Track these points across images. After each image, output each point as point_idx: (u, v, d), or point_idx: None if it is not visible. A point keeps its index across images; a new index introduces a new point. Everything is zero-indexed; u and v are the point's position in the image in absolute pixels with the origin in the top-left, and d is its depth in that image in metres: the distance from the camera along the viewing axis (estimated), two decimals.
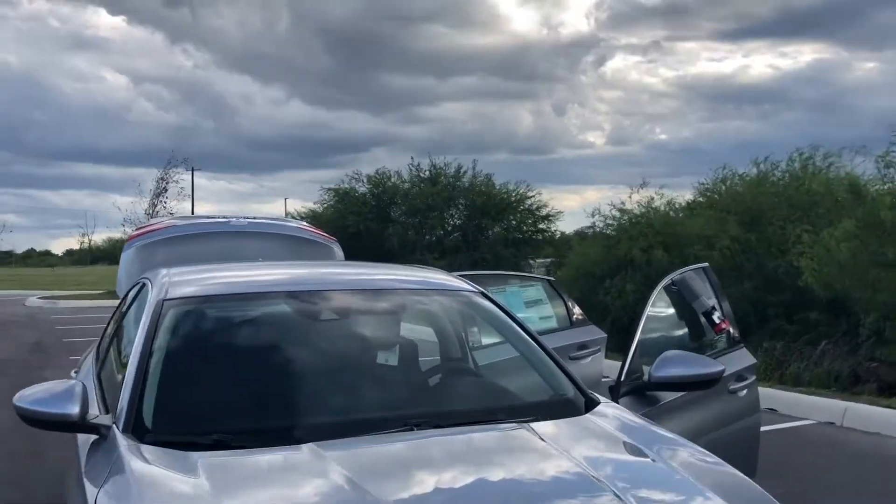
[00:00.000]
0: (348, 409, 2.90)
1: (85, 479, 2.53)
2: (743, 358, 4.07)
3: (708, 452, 2.70)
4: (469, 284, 3.73)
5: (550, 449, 2.56)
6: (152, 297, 3.29)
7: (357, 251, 17.30)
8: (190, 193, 31.70)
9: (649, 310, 3.81)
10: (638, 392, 3.51)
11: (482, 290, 3.72)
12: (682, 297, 4.07)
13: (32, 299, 25.68)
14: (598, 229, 15.25)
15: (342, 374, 3.10)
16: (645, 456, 2.60)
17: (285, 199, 60.01)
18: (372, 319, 3.47)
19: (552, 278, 5.40)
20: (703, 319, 4.04)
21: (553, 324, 4.98)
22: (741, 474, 2.55)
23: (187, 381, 2.98)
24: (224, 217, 5.53)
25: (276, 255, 5.23)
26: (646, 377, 3.47)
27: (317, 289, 3.51)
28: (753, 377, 4.08)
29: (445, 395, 3.25)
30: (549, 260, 19.01)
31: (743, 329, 11.77)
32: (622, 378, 3.49)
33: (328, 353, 3.21)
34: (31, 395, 2.77)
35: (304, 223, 6.05)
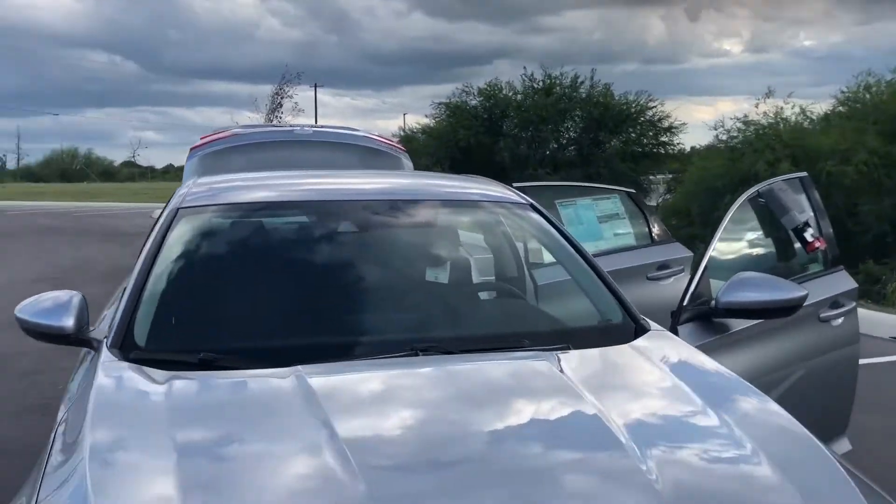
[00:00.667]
0: (352, 330, 2.61)
1: (64, 397, 2.39)
2: (840, 282, 3.51)
3: (770, 400, 2.19)
4: (518, 196, 3.32)
5: (567, 384, 2.17)
6: (171, 205, 3.10)
7: (467, 166, 17.00)
8: (304, 109, 31.85)
9: (728, 224, 3.31)
10: (703, 319, 3.06)
11: (531, 202, 3.32)
12: (769, 211, 3.53)
13: (157, 212, 27.04)
14: (722, 142, 14.32)
15: (353, 292, 2.80)
16: (684, 397, 2.18)
17: (404, 115, 60.09)
18: (396, 233, 3.14)
19: (632, 190, 4.88)
20: (793, 237, 3.49)
21: (630, 241, 4.53)
22: (808, 434, 1.99)
23: (184, 294, 2.76)
24: (289, 126, 5.31)
25: (341, 165, 4.99)
26: (713, 302, 3.02)
27: (343, 199, 3.20)
28: (852, 304, 3.51)
29: (470, 318, 2.89)
30: (669, 175, 18.09)
31: (879, 249, 10.92)
32: (684, 302, 3.05)
33: (343, 269, 2.91)
34: (31, 306, 2.64)
35: (373, 132, 5.75)
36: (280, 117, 28.17)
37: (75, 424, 2.01)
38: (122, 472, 1.79)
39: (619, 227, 4.48)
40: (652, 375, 2.36)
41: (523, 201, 3.26)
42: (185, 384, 2.18)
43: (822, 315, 3.36)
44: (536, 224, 3.23)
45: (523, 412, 2.09)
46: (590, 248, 3.93)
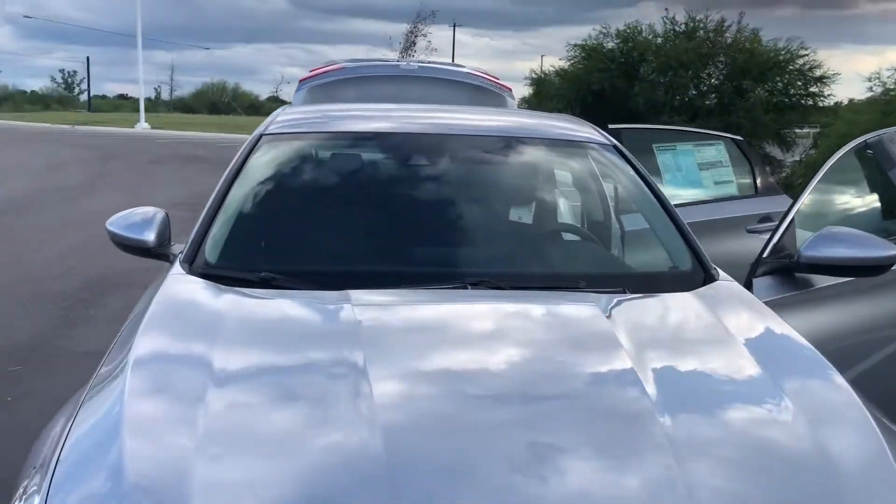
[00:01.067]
0: (408, 261, 2.67)
1: (135, 307, 2.57)
2: None
3: (834, 371, 2.04)
4: (604, 137, 3.25)
5: (606, 329, 2.13)
6: (256, 131, 3.24)
7: (599, 111, 16.58)
8: (438, 48, 31.78)
9: (828, 175, 3.11)
10: (783, 273, 2.91)
11: (615, 143, 3.23)
12: (877, 164, 3.27)
13: None
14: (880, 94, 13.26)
15: (418, 224, 2.86)
16: (731, 352, 2.09)
17: (542, 57, 58.76)
18: (470, 167, 3.16)
19: (740, 138, 4.60)
20: None
21: (732, 190, 4.30)
22: (868, 417, 1.82)
23: (255, 217, 2.92)
24: (395, 61, 5.40)
25: (445, 100, 5.04)
26: (796, 256, 2.87)
27: (422, 132, 3.25)
28: None
29: (530, 257, 2.87)
30: (816, 129, 16.92)
31: None
32: (764, 254, 2.91)
33: (410, 201, 2.97)
34: (121, 220, 2.86)
35: (479, 69, 5.71)
36: (413, 55, 28.29)
37: (132, 331, 2.17)
38: (157, 386, 1.92)
39: (720, 175, 4.26)
40: (702, 325, 2.28)
41: (607, 142, 3.20)
42: (239, 300, 2.31)
43: None
44: (619, 167, 3.16)
45: (551, 353, 2.08)
46: (686, 195, 3.79)
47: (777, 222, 4.24)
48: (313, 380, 1.92)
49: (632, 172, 3.07)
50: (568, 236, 3.31)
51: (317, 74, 5.36)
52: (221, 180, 2.92)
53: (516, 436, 1.61)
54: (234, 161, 3.01)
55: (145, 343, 2.02)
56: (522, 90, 21.14)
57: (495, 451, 1.57)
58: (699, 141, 4.53)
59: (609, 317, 2.19)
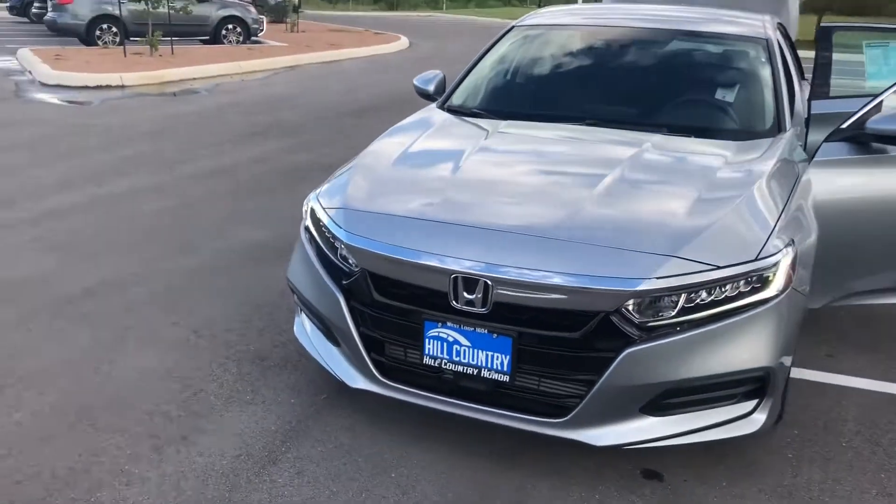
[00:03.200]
0: (565, 108, 3.98)
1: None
2: None
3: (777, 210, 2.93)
4: (763, 33, 4.13)
5: (627, 152, 3.34)
6: (511, 24, 4.61)
7: None
8: None
9: None
10: (854, 142, 3.55)
11: (769, 37, 4.10)
12: None
13: None
14: None
15: (590, 89, 4.16)
16: (698, 177, 3.14)
17: None
18: (653, 54, 4.24)
19: None
20: None
21: None
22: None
23: (486, 78, 4.32)
24: None
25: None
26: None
27: (632, 26, 4.34)
28: None
29: (654, 111, 3.91)
30: None
31: None
32: (846, 124, 3.55)
33: (597, 76, 4.22)
34: (420, 77, 4.38)
35: None
36: None
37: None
38: (377, 163, 3.45)
39: None
40: (702, 162, 3.35)
41: (763, 38, 4.06)
42: (451, 117, 3.87)
43: None
44: (769, 57, 3.97)
45: (576, 154, 3.53)
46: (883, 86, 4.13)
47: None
48: (457, 145, 3.53)
49: (776, 61, 3.92)
50: (700, 103, 4.03)
51: None
52: (477, 54, 4.40)
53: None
54: (489, 43, 4.44)
55: (384, 138, 3.76)
56: None
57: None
58: None
59: (647, 148, 3.34)
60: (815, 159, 3.52)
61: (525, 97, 4.24)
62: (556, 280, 2.53)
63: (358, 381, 2.93)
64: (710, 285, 2.55)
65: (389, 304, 2.76)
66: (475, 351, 2.65)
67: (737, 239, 2.70)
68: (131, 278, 4.55)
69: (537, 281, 2.54)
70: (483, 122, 3.81)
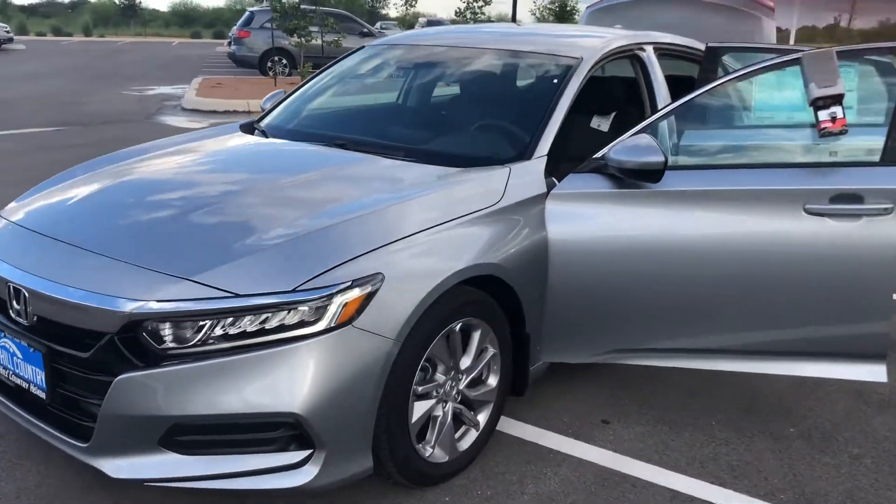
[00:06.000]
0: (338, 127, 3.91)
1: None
2: None
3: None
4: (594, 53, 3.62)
5: (311, 173, 3.18)
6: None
7: None
8: None
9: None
10: (603, 173, 3.09)
11: (579, 59, 3.62)
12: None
13: None
14: None
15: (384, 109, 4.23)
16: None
17: None
18: (455, 73, 4.01)
19: None
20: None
21: None
22: None
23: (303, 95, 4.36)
24: None
25: (704, 25, 5.10)
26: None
27: (458, 45, 4.06)
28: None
29: (416, 134, 3.70)
30: None
31: None
32: (600, 153, 3.10)
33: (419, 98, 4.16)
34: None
35: None
36: None
37: None
38: None
39: None
40: (350, 188, 2.99)
41: (571, 57, 3.60)
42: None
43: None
44: (559, 79, 3.54)
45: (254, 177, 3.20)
46: None
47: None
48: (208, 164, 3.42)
49: (566, 85, 3.40)
50: (463, 127, 3.68)
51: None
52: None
53: None
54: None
55: None
56: None
57: None
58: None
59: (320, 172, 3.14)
60: (553, 191, 3.05)
61: (306, 116, 4.05)
62: (67, 294, 2.40)
63: None
64: (223, 314, 2.29)
65: None
66: (25, 364, 2.58)
67: (284, 266, 2.40)
68: None
69: (51, 294, 2.43)
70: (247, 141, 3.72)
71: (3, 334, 2.63)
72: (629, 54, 3.86)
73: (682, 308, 3.08)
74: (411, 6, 28.55)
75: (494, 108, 3.69)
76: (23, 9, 64.92)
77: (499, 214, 2.87)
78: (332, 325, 2.34)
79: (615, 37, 3.82)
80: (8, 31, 32.12)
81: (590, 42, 3.71)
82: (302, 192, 2.92)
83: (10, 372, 2.64)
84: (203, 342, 2.30)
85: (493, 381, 2.99)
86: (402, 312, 2.47)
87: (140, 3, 62.12)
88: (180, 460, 2.39)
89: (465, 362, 2.85)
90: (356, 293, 2.37)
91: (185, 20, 62.00)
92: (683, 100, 3.15)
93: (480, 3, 20.15)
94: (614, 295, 3.07)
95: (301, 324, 2.33)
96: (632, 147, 2.97)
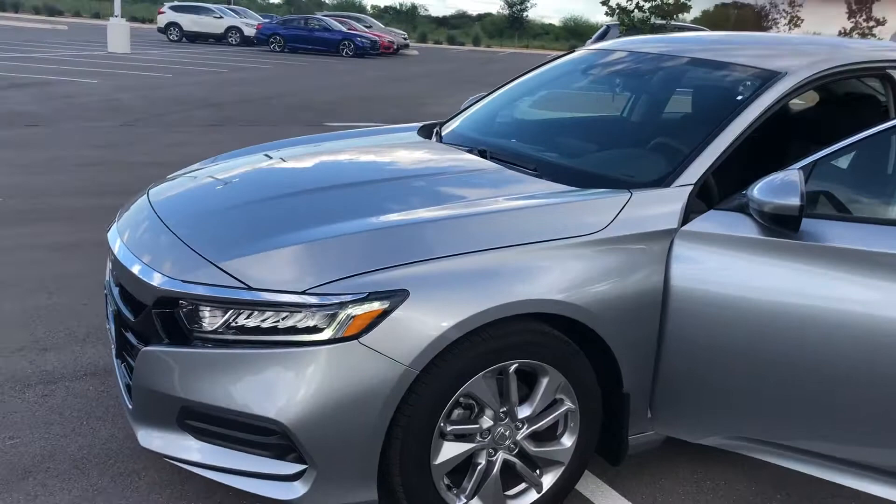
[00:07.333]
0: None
1: None
2: None
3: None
4: None
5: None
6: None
7: None
8: None
9: None
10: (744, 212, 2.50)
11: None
12: None
13: None
14: None
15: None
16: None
17: None
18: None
19: None
20: None
21: None
22: None
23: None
24: None
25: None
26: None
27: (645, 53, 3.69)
28: None
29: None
30: None
31: None
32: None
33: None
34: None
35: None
36: None
37: None
38: None
39: None
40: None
41: None
42: None
43: None
44: None
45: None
46: None
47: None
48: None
49: None
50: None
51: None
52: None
53: None
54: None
55: None
56: None
57: None
58: None
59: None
60: (684, 228, 2.49)
61: (474, 120, 3.90)
62: (130, 264, 2.53)
63: None
64: (232, 304, 2.22)
65: None
66: (109, 324, 2.82)
67: (309, 267, 2.25)
68: None
69: (121, 261, 2.59)
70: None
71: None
72: (879, 73, 3.06)
73: (817, 398, 2.35)
74: None
75: (652, 125, 3.17)
76: (436, 20, 72.35)
77: (596, 246, 2.42)
78: (337, 336, 2.15)
79: (857, 49, 3.04)
80: (405, 38, 36.17)
81: (812, 52, 2.98)
82: (379, 195, 2.75)
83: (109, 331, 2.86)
84: (219, 330, 2.26)
85: (568, 440, 2.54)
86: (422, 337, 2.18)
87: (527, 15, 65.59)
88: (193, 444, 2.38)
89: (525, 411, 2.45)
90: (369, 307, 2.15)
91: (572, 34, 63.86)
92: (869, 132, 2.39)
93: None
94: (747, 367, 2.43)
95: (310, 329, 2.17)
96: (778, 185, 2.33)
